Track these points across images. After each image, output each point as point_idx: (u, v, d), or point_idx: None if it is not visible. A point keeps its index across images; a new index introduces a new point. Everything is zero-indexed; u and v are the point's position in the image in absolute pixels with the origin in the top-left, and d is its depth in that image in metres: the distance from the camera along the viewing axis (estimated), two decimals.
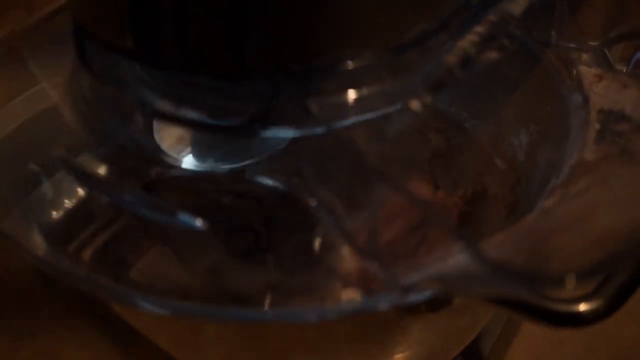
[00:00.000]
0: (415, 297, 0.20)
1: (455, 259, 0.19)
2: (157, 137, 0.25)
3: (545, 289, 0.21)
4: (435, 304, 0.25)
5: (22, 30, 0.31)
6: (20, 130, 0.28)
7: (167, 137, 0.25)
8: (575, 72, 0.29)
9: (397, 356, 0.30)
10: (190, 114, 0.22)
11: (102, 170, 0.25)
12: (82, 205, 0.25)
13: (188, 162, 0.25)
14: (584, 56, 0.29)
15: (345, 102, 0.22)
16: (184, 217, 0.22)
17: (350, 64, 0.21)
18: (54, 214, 0.25)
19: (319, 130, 0.21)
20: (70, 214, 0.25)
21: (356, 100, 0.22)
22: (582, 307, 0.22)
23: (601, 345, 0.42)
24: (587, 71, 0.28)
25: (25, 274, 0.37)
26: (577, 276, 0.19)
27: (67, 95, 0.26)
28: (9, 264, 0.38)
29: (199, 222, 0.22)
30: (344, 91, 0.22)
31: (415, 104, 0.21)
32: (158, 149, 0.25)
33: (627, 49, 0.33)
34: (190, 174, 0.26)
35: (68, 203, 0.25)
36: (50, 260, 0.23)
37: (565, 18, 0.29)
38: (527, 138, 0.33)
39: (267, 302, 0.23)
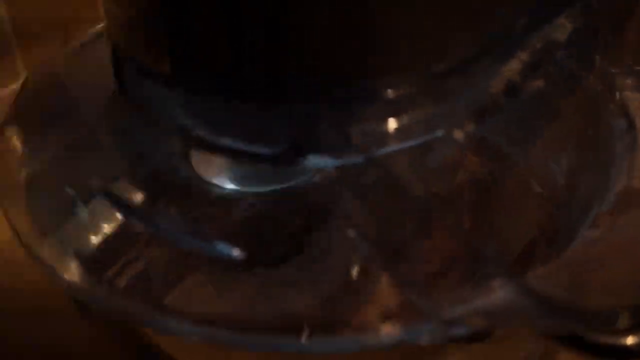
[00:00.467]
0: (458, 331, 0.20)
1: (499, 292, 0.18)
2: (195, 164, 0.25)
3: (593, 325, 0.20)
4: (479, 335, 0.25)
5: (61, 57, 0.31)
6: (62, 154, 0.28)
7: (205, 165, 0.25)
8: (619, 96, 0.28)
9: None
10: (228, 141, 0.22)
11: (138, 196, 0.25)
12: (119, 232, 0.25)
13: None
14: (629, 81, 0.28)
15: (386, 129, 0.22)
16: (221, 245, 0.22)
17: (392, 91, 0.21)
18: (91, 241, 0.25)
19: (360, 158, 0.21)
20: (107, 240, 0.25)
21: (397, 128, 0.22)
22: (630, 340, 0.22)
23: None
24: (633, 96, 0.27)
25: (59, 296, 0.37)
26: (631, 313, 0.18)
27: (104, 122, 0.26)
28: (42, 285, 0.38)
29: (235, 252, 0.21)
30: (385, 118, 0.22)
31: (458, 133, 0.20)
32: (196, 176, 0.25)
33: None
34: (228, 197, 0.26)
35: (105, 230, 0.25)
36: (86, 288, 0.22)
37: (609, 42, 0.28)
38: (567, 163, 0.32)
39: (304, 332, 0.23)
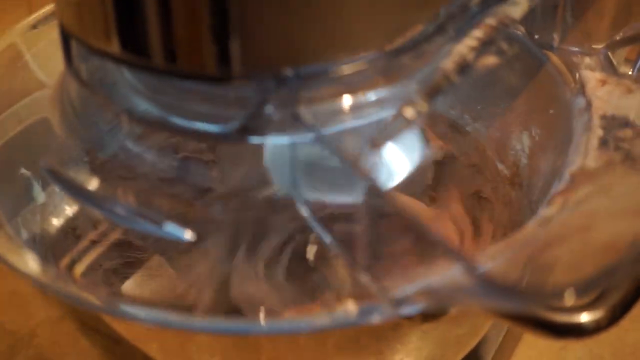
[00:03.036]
0: (407, 310, 0.20)
1: (448, 272, 0.18)
2: (145, 144, 0.25)
3: (542, 302, 0.20)
4: (432, 314, 0.25)
5: (22, 28, 0.30)
6: (16, 138, 0.28)
7: (156, 144, 0.25)
8: (578, 75, 0.28)
9: None
10: (178, 120, 0.22)
11: (93, 182, 0.25)
12: (73, 218, 0.25)
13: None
14: (588, 60, 0.28)
15: (337, 108, 0.21)
16: (173, 228, 0.21)
17: (342, 69, 0.21)
18: (47, 229, 0.25)
19: (310, 137, 0.21)
20: (62, 227, 0.25)
21: (349, 107, 0.21)
22: (584, 317, 0.22)
23: (605, 351, 0.41)
24: (591, 75, 0.27)
25: None
26: (577, 289, 0.18)
27: (56, 103, 0.26)
28: None
29: (187, 234, 0.21)
30: (336, 97, 0.21)
31: (409, 111, 0.20)
32: (147, 157, 0.25)
33: (632, 51, 0.32)
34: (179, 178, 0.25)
35: (60, 216, 0.25)
36: (42, 278, 0.22)
37: (568, 21, 0.28)
38: (529, 142, 0.32)
39: (261, 312, 0.23)
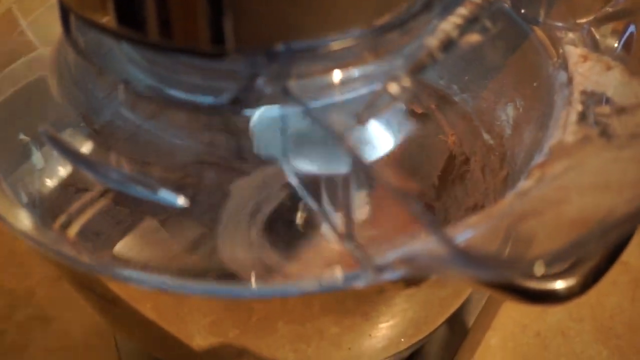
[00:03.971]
0: (389, 277, 0.21)
1: (426, 243, 0.19)
2: (140, 114, 0.26)
3: (516, 273, 0.21)
4: (414, 279, 0.26)
5: None
6: (14, 98, 0.28)
7: (150, 114, 0.26)
8: (561, 50, 0.29)
9: (382, 325, 0.30)
10: (173, 92, 0.22)
11: (87, 145, 0.26)
12: (70, 180, 0.26)
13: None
14: (571, 35, 0.29)
15: (326, 83, 0.22)
16: (166, 194, 0.22)
17: (331, 45, 0.22)
18: (42, 190, 0.26)
19: (298, 110, 0.22)
20: (57, 189, 0.26)
21: (337, 82, 0.22)
22: (558, 284, 0.23)
23: (585, 314, 0.43)
24: (573, 51, 0.28)
25: None
26: (547, 261, 0.19)
27: (54, 67, 0.27)
28: None
29: (180, 200, 0.22)
30: (325, 72, 0.22)
31: (393, 87, 0.21)
32: (142, 126, 0.25)
33: (620, 22, 0.33)
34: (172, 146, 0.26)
35: (55, 178, 0.26)
36: (36, 236, 0.23)
37: None
38: (514, 113, 0.33)
39: (252, 276, 0.24)
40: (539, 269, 0.19)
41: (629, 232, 0.24)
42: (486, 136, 0.35)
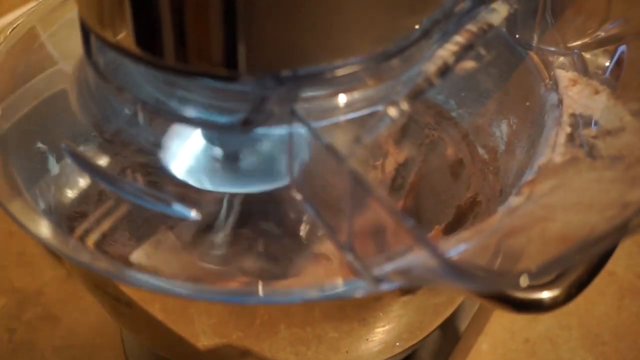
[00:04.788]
0: (386, 287, 0.22)
1: (420, 256, 0.21)
2: (157, 132, 0.27)
3: (503, 286, 0.23)
4: (409, 289, 0.27)
5: (40, 10, 0.32)
6: (35, 112, 0.29)
7: (167, 133, 0.27)
8: (553, 73, 0.30)
9: (378, 330, 0.32)
10: (190, 112, 0.24)
11: (104, 159, 0.27)
12: (88, 192, 0.27)
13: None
14: (562, 59, 0.30)
15: (329, 105, 0.24)
16: (179, 207, 0.24)
17: (336, 71, 0.23)
18: (61, 199, 0.27)
19: (304, 130, 0.23)
20: (76, 199, 0.27)
21: (340, 105, 0.24)
22: (544, 294, 0.25)
23: (573, 323, 0.44)
24: (564, 75, 0.29)
25: None
26: (533, 273, 0.21)
27: (74, 83, 0.28)
28: None
29: (193, 213, 0.24)
30: (329, 96, 0.24)
31: (392, 111, 0.23)
32: (158, 143, 0.27)
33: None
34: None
35: (74, 189, 0.27)
36: (57, 244, 0.24)
37: (547, 23, 0.30)
38: (507, 130, 0.35)
39: (259, 286, 0.25)
40: (524, 281, 0.20)
41: (610, 247, 0.25)
42: (481, 150, 0.36)
